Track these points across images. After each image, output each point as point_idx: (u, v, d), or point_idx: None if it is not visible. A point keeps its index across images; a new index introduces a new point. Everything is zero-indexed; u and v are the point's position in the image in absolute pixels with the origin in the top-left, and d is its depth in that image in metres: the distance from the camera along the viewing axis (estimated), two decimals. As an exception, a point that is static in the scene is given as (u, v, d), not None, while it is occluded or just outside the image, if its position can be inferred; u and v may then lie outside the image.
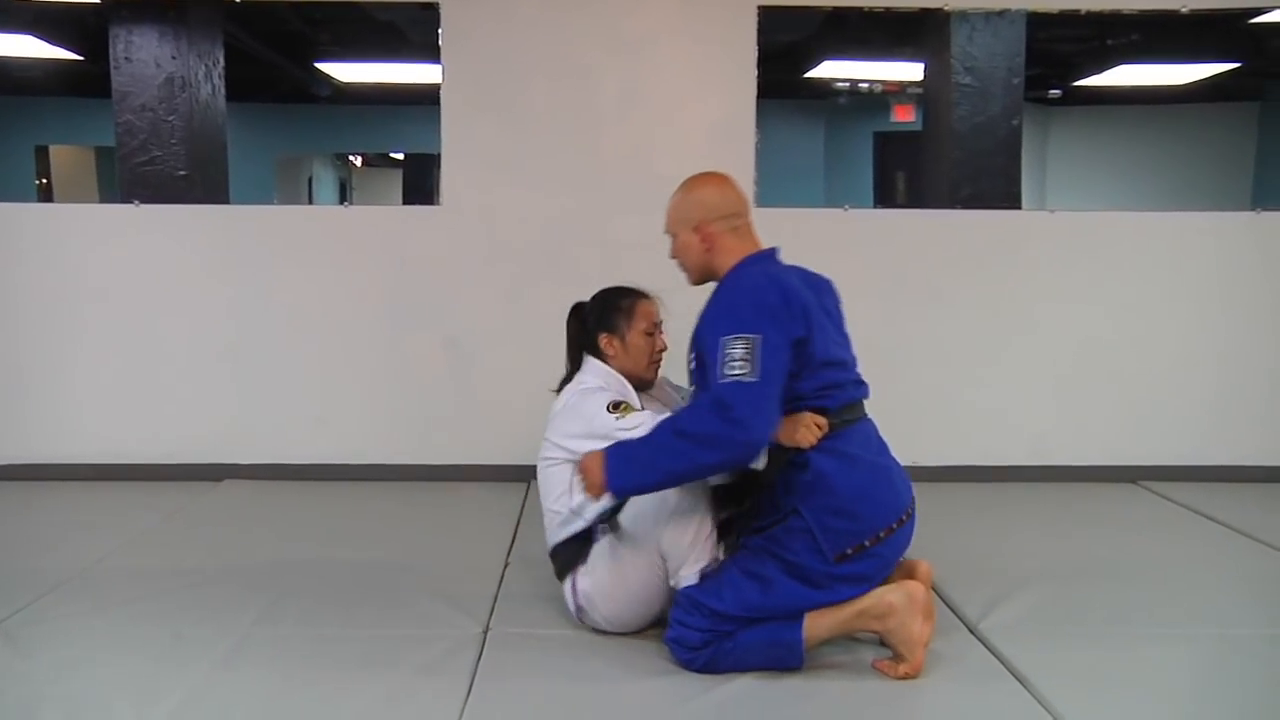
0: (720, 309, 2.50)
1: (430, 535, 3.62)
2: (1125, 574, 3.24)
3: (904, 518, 2.53)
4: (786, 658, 2.48)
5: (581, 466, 2.48)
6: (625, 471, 2.41)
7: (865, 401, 2.62)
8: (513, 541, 3.45)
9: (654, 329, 2.85)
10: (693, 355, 2.57)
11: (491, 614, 2.81)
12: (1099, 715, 2.26)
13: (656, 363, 2.87)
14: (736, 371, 2.35)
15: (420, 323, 4.35)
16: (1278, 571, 3.32)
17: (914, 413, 4.37)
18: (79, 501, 4.04)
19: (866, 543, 2.44)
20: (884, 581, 2.53)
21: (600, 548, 2.65)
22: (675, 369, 2.84)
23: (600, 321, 2.84)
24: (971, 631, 2.75)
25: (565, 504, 2.69)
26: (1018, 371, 4.42)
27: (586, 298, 2.91)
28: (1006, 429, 4.43)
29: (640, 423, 2.55)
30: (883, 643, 2.55)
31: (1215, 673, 2.57)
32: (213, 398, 4.34)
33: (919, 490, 4.26)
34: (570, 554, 2.71)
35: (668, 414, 2.56)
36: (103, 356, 4.33)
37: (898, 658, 2.51)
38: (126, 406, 4.34)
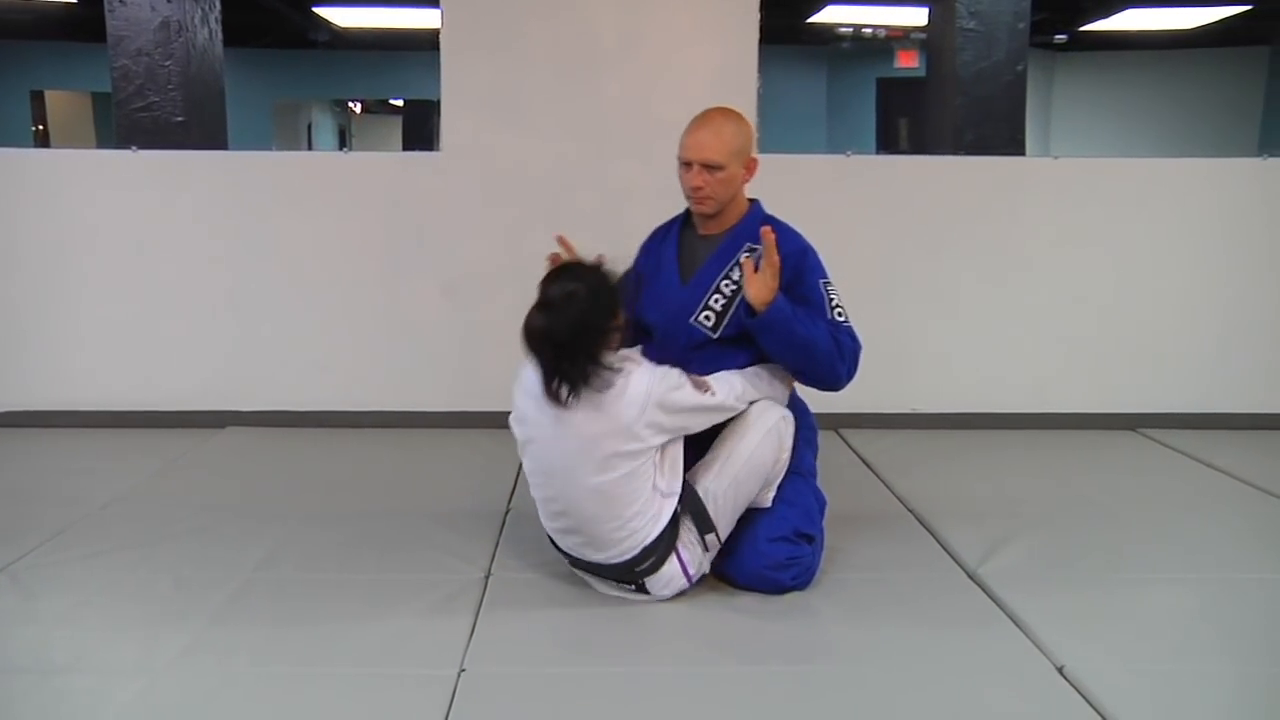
0: (804, 254, 2.70)
1: (431, 481, 3.64)
2: (1124, 519, 3.26)
3: None
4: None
5: (751, 284, 2.54)
6: (791, 315, 2.56)
7: None
8: (514, 488, 3.46)
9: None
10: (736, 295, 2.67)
11: (493, 559, 2.83)
12: (1096, 658, 2.28)
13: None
14: (848, 320, 2.67)
15: (420, 268, 4.33)
16: (1276, 517, 3.34)
17: (914, 359, 4.38)
18: (81, 448, 4.05)
19: None
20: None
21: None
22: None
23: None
24: (970, 576, 2.76)
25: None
26: (1019, 318, 4.41)
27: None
28: (1007, 375, 4.43)
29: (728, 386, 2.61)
30: None
31: (1212, 616, 2.59)
32: (214, 344, 4.34)
33: (918, 437, 4.30)
34: (666, 542, 2.50)
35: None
36: (102, 303, 4.32)
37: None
38: (127, 353, 4.34)
